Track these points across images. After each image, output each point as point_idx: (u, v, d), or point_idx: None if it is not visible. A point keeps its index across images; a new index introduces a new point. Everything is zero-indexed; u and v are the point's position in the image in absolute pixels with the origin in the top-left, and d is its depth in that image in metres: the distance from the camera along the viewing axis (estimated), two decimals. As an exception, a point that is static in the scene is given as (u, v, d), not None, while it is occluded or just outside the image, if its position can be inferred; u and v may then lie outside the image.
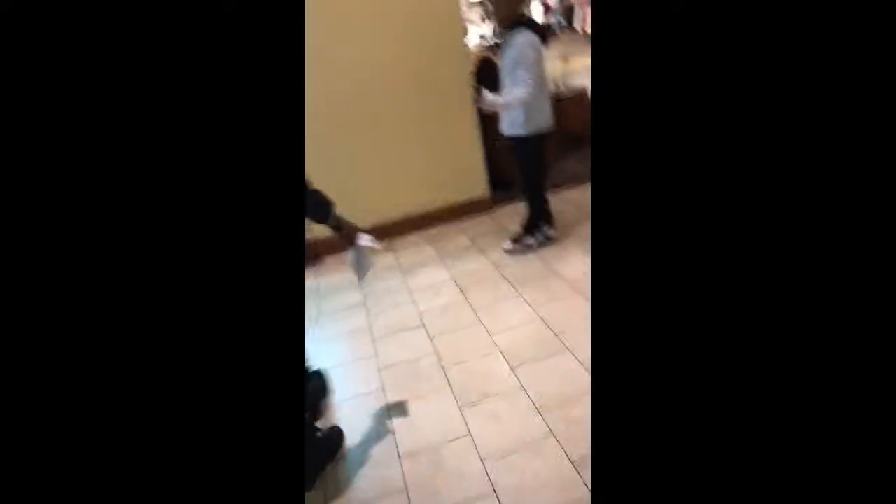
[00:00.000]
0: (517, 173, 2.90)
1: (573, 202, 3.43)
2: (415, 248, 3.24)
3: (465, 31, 3.33)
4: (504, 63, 2.52)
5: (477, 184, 3.50)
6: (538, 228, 2.89)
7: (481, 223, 3.41)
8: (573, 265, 2.67)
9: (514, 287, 2.59)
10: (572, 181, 3.78)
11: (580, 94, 4.75)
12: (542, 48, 2.50)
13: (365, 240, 1.67)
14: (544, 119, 2.60)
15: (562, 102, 4.59)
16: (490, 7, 2.56)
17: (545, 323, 2.27)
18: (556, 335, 2.17)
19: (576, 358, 2.01)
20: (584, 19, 12.69)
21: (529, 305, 2.41)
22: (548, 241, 2.91)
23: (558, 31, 13.97)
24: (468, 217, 3.50)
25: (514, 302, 2.47)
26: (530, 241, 2.89)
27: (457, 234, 3.31)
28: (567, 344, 2.10)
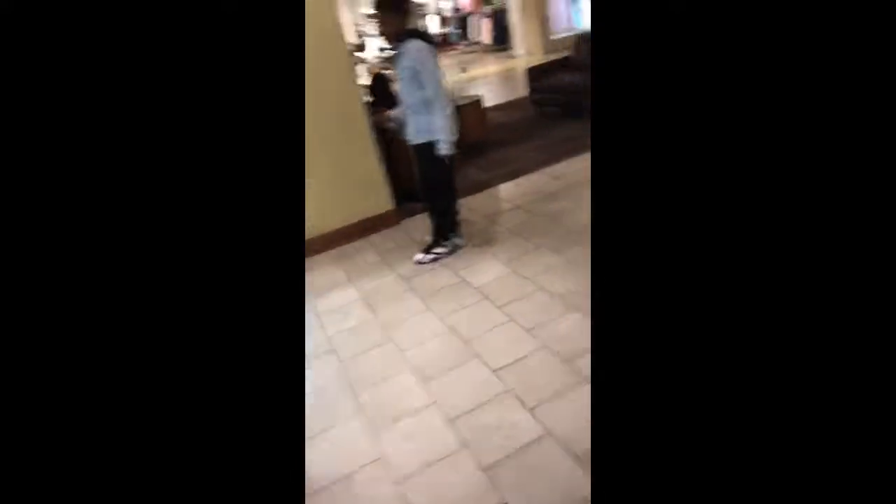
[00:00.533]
0: (421, 182, 2.91)
1: (477, 209, 3.50)
2: (323, 268, 3.14)
3: (357, 45, 3.28)
4: (401, 73, 2.52)
5: (381, 197, 3.47)
6: (446, 237, 2.92)
7: (389, 237, 3.38)
8: (482, 272, 2.72)
9: (422, 300, 2.59)
10: (474, 189, 3.87)
11: (476, 101, 4.88)
12: (435, 52, 2.54)
13: None
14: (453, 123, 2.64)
15: (459, 110, 4.70)
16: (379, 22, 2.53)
17: (455, 332, 2.28)
18: (465, 343, 2.19)
19: (485, 364, 2.04)
20: (477, 28, 13.10)
21: (438, 317, 2.42)
22: (456, 249, 2.95)
23: (456, 42, 14.31)
24: (376, 232, 3.46)
25: (423, 315, 2.46)
26: (440, 249, 2.91)
27: (366, 251, 3.26)
28: (476, 350, 2.13)
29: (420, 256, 2.92)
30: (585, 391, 1.79)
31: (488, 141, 4.90)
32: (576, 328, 2.12)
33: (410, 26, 2.54)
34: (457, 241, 2.96)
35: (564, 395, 1.80)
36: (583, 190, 3.44)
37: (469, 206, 3.55)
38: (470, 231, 3.15)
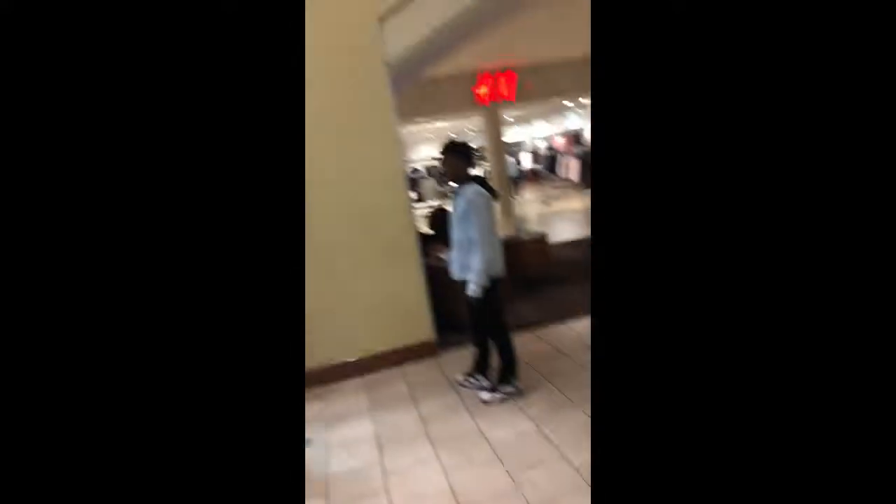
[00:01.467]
0: (469, 318, 2.85)
1: (519, 350, 3.31)
2: (347, 395, 3.07)
3: (405, 168, 3.51)
4: (456, 212, 2.65)
5: (422, 327, 3.43)
6: (514, 374, 2.75)
7: (424, 369, 3.27)
8: (504, 425, 2.48)
9: (433, 447, 2.38)
10: (521, 327, 3.71)
11: (541, 237, 4.89)
12: (490, 199, 2.62)
13: None
14: (497, 263, 2.63)
15: (522, 245, 4.72)
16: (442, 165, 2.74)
17: (454, 495, 2.03)
18: (462, 512, 1.92)
19: (476, 544, 1.75)
20: (566, 167, 13.68)
21: (443, 471, 2.18)
22: (510, 395, 2.72)
23: (543, 177, 14.99)
24: (412, 361, 3.37)
25: (428, 467, 2.24)
26: (510, 389, 2.73)
27: (397, 381, 3.16)
28: (471, 524, 1.85)
29: (487, 396, 2.72)
30: None
31: (550, 277, 4.81)
32: None
33: (472, 171, 2.69)
34: (513, 385, 2.76)
35: None
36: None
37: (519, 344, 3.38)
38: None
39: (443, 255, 2.77)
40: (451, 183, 2.71)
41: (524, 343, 3.42)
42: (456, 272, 2.69)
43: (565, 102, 11.81)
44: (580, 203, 10.23)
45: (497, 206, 2.68)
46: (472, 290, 2.54)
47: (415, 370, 3.27)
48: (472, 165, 2.70)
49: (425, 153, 17.43)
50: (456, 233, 2.66)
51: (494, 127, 9.52)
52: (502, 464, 2.17)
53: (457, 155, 2.66)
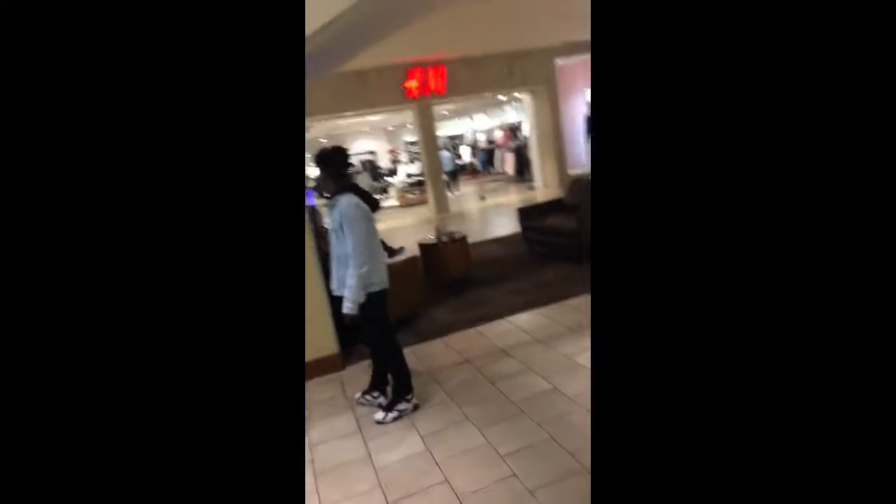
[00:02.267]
0: (361, 337, 2.69)
1: (426, 360, 3.20)
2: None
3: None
4: (331, 225, 2.46)
5: (324, 340, 3.24)
6: (409, 390, 2.60)
7: (326, 386, 3.08)
8: (394, 447, 2.35)
9: (314, 478, 2.22)
10: (435, 333, 3.59)
11: (462, 238, 4.79)
12: (366, 210, 2.45)
13: None
14: (379, 275, 2.47)
15: (443, 248, 4.61)
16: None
17: (325, 535, 1.88)
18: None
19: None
20: (502, 160, 13.71)
21: (320, 507, 2.03)
22: (403, 412, 2.58)
23: (480, 171, 14.99)
24: (315, 377, 3.18)
25: (308, 500, 2.08)
26: (403, 406, 2.58)
27: (294, 400, 2.96)
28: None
29: (380, 416, 2.56)
30: None
31: (471, 278, 4.73)
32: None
33: (347, 181, 2.50)
34: (406, 403, 2.60)
35: None
36: (538, 350, 3.10)
37: (419, 355, 3.26)
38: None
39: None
40: (324, 195, 2.51)
41: (432, 353, 3.30)
42: (335, 288, 2.52)
43: (499, 97, 11.81)
44: (517, 196, 10.27)
45: (374, 217, 2.51)
46: (346, 307, 2.37)
47: (314, 387, 3.09)
48: (345, 174, 2.51)
49: (362, 146, 17.04)
50: (333, 247, 2.48)
51: (426, 121, 9.35)
52: (383, 493, 2.04)
53: (327, 164, 2.46)
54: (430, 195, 9.68)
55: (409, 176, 13.24)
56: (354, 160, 13.95)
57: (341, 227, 2.39)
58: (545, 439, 2.20)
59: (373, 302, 2.46)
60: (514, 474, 2.01)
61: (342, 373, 3.22)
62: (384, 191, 13.29)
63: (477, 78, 9.15)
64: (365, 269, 2.37)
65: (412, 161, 15.01)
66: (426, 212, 9.69)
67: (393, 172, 15.15)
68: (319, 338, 3.22)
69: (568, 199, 5.35)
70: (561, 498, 1.83)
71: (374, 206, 2.52)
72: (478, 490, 1.96)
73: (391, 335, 2.64)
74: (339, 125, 13.74)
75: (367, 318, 2.48)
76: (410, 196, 11.60)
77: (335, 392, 2.99)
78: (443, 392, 2.78)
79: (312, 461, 2.35)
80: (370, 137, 17.41)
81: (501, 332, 3.45)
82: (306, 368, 3.16)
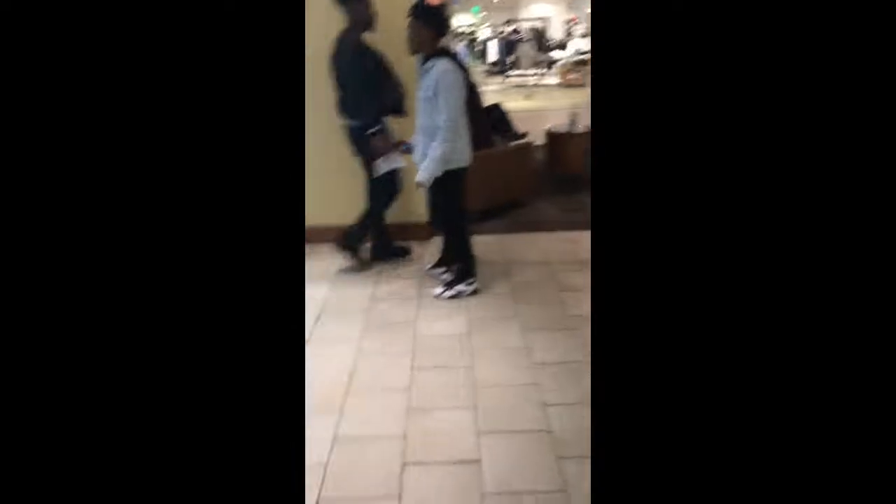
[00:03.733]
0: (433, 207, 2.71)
1: (509, 251, 3.14)
2: (324, 258, 3.11)
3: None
4: (422, 93, 2.35)
5: (419, 207, 3.31)
6: (471, 273, 2.64)
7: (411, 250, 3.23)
8: (439, 323, 2.44)
9: (361, 330, 2.42)
10: (531, 227, 3.47)
11: (583, 134, 4.32)
12: (463, 77, 2.30)
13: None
14: (461, 153, 2.39)
15: (567, 139, 4.23)
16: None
17: (350, 379, 2.09)
18: (338, 397, 1.99)
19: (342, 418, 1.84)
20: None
21: (355, 355, 2.24)
22: (461, 294, 2.63)
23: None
24: (404, 239, 3.32)
25: (346, 347, 2.31)
26: (463, 287, 2.63)
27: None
28: (339, 406, 1.92)
29: (438, 291, 2.66)
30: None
31: (586, 178, 4.34)
32: (454, 425, 1.77)
33: (442, 44, 2.32)
34: (469, 284, 2.64)
35: None
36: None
37: (503, 245, 3.21)
38: (481, 272, 2.81)
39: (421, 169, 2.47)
40: (416, 54, 2.33)
41: (517, 245, 3.22)
42: (417, 160, 2.46)
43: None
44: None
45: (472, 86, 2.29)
46: (421, 176, 2.32)
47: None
48: (443, 35, 2.29)
49: (534, 11, 15.44)
50: (421, 117, 2.37)
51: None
52: (411, 359, 2.18)
53: (424, 20, 2.24)
54: (590, 77, 8.72)
55: (579, 52, 11.95)
56: (520, 26, 12.82)
57: (435, 95, 2.26)
58: (580, 361, 2.10)
59: (451, 178, 2.40)
60: (535, 383, 1.99)
61: (427, 242, 3.32)
62: (549, 66, 12.26)
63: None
64: (451, 144, 2.26)
65: (588, 36, 13.40)
66: (585, 94, 8.84)
67: (563, 46, 13.78)
68: (414, 204, 3.29)
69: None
70: (571, 421, 1.78)
71: (468, 75, 2.31)
72: (494, 385, 1.99)
73: (462, 216, 2.59)
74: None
75: (443, 192, 2.44)
76: (573, 75, 10.60)
77: (413, 258, 3.13)
78: (508, 285, 2.75)
79: (366, 313, 2.56)
80: (548, 1, 15.70)
81: (595, 243, 3.20)
82: (397, 228, 3.29)
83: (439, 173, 2.34)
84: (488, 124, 3.81)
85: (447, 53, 2.31)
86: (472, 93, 3.77)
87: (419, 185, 2.39)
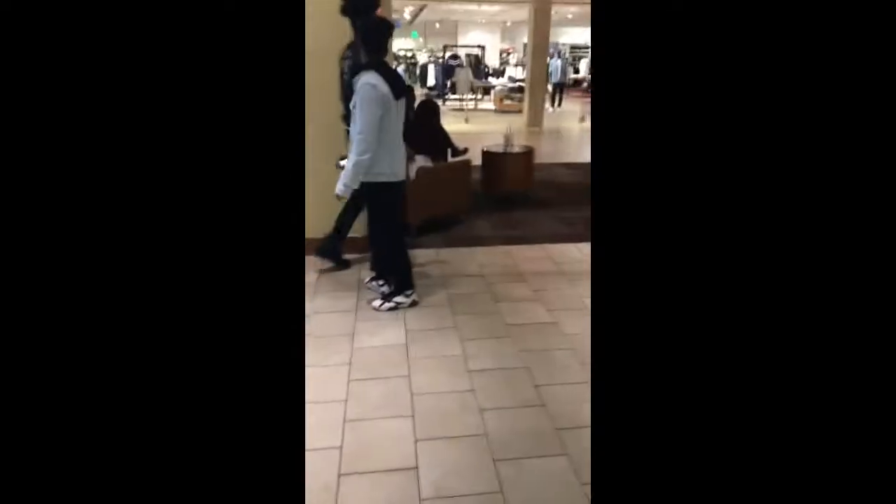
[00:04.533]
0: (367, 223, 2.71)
1: (447, 265, 3.18)
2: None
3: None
4: (352, 104, 2.36)
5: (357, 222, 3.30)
6: (409, 286, 2.64)
7: (364, 263, 3.20)
8: (377, 335, 2.43)
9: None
10: (465, 242, 3.54)
11: (527, 152, 4.52)
12: (384, 95, 2.28)
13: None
14: (388, 167, 2.40)
15: (504, 159, 4.39)
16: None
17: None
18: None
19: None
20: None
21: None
22: (400, 305, 2.63)
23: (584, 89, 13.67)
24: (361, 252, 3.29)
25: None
26: (401, 299, 2.62)
27: (309, 270, 3.12)
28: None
29: (377, 303, 2.64)
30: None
31: (527, 197, 4.52)
32: (391, 434, 1.76)
33: (378, 59, 2.33)
34: (406, 296, 2.64)
35: None
36: (557, 282, 2.97)
37: (440, 259, 3.26)
38: (419, 284, 2.83)
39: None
40: (347, 60, 2.35)
41: (454, 259, 3.28)
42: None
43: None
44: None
45: (399, 105, 2.33)
46: (338, 187, 2.33)
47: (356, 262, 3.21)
48: (376, 50, 2.31)
49: (471, 38, 16.04)
50: (351, 126, 2.36)
51: (541, 20, 8.53)
52: (348, 370, 2.15)
53: (369, 33, 2.27)
54: (525, 105, 9.12)
55: (513, 80, 12.47)
56: (460, 52, 13.28)
57: (354, 108, 2.25)
58: (517, 367, 2.16)
59: (379, 191, 2.41)
60: (472, 389, 2.02)
61: (366, 254, 3.30)
62: (486, 91, 12.70)
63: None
64: (366, 157, 2.26)
65: (522, 65, 14.06)
66: (519, 121, 9.22)
67: (499, 73, 14.35)
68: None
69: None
70: (507, 424, 1.82)
71: (400, 92, 2.34)
72: (431, 393, 2.00)
73: (398, 230, 2.62)
74: (453, 10, 12.99)
75: (373, 205, 2.45)
76: (507, 102, 11.02)
77: (351, 270, 3.10)
78: (445, 297, 2.78)
79: (309, 320, 2.50)
80: (484, 30, 16.36)
81: (529, 257, 3.32)
82: (341, 242, 3.26)
83: (356, 185, 2.33)
84: (446, 140, 3.92)
85: (378, 66, 2.30)
86: (426, 110, 3.86)
87: (337, 196, 2.38)
